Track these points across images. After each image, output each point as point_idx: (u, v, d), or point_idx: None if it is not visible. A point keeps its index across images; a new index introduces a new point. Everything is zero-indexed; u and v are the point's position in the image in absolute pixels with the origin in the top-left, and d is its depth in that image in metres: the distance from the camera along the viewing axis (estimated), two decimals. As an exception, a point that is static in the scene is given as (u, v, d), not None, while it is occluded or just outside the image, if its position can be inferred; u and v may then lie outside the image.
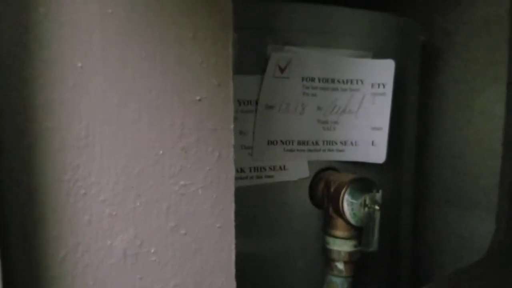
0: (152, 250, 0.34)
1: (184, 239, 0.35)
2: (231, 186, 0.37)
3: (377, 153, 0.61)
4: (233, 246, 0.38)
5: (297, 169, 0.60)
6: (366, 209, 0.54)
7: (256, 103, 0.56)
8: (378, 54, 0.62)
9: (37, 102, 0.28)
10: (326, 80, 0.59)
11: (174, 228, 0.35)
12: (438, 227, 0.85)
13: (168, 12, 0.32)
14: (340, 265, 0.57)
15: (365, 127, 0.61)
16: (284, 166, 0.59)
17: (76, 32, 0.29)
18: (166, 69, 0.33)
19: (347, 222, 0.56)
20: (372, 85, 0.60)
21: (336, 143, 0.61)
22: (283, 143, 0.58)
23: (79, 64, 0.29)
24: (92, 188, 0.31)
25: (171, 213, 0.34)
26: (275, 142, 0.58)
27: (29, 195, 0.28)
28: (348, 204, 0.55)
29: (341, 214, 0.56)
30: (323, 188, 0.58)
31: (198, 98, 0.35)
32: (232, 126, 0.37)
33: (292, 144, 0.59)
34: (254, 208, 0.57)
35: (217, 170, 0.36)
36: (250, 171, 0.57)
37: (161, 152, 0.33)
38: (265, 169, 0.58)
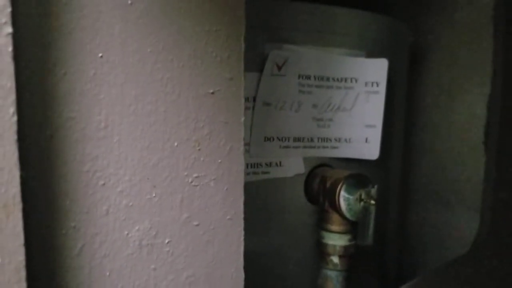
0: (166, 241, 0.34)
1: (196, 230, 0.36)
2: (241, 179, 0.38)
3: (371, 150, 0.63)
4: (242, 238, 0.39)
5: (292, 166, 0.60)
6: (362, 203, 0.56)
7: (254, 100, 0.57)
8: (371, 53, 0.63)
9: (58, 92, 0.28)
10: (322, 78, 0.60)
11: (187, 220, 0.35)
12: (422, 223, 0.87)
13: (185, 5, 0.33)
14: (335, 259, 0.58)
15: (359, 124, 0.62)
16: (280, 163, 0.60)
17: (97, 22, 0.29)
18: (182, 62, 0.33)
19: (342, 216, 0.57)
20: (366, 84, 0.62)
21: (330, 140, 0.62)
22: (279, 139, 0.59)
23: (100, 55, 0.29)
24: (111, 179, 0.31)
25: (184, 204, 0.35)
26: (271, 139, 0.59)
27: (50, 186, 0.28)
28: (344, 199, 0.56)
29: (337, 209, 0.57)
30: (318, 184, 0.59)
31: (211, 91, 0.35)
32: (242, 119, 0.37)
33: (288, 141, 0.60)
34: (250, 204, 0.58)
35: (229, 163, 0.37)
36: (247, 167, 0.58)
37: (176, 144, 0.34)
38: (261, 166, 0.59)
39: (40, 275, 0.28)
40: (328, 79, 0.61)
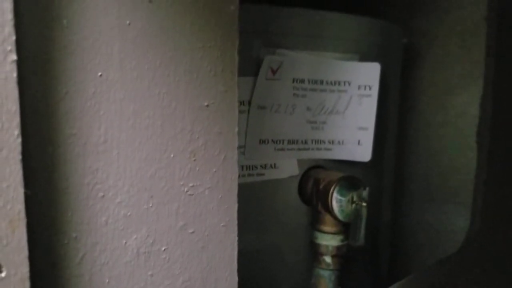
0: (163, 248, 0.36)
1: (192, 237, 0.37)
2: (235, 186, 0.39)
3: (363, 152, 0.64)
4: (236, 244, 0.40)
5: (287, 167, 0.62)
6: (354, 205, 0.57)
7: (249, 104, 0.58)
8: (364, 57, 0.64)
9: (60, 111, 0.30)
10: (315, 82, 0.62)
11: (183, 227, 0.37)
12: (416, 222, 0.89)
13: (181, 23, 0.34)
14: (328, 259, 0.60)
15: (352, 127, 0.64)
16: (275, 165, 0.61)
17: (96, 43, 0.30)
18: (178, 77, 0.34)
19: (335, 218, 0.59)
20: (359, 87, 0.63)
21: (324, 142, 0.64)
22: (274, 142, 0.61)
23: (99, 73, 0.31)
24: (110, 190, 0.32)
25: (180, 213, 0.36)
26: (266, 141, 0.60)
27: (53, 198, 0.30)
28: (337, 201, 0.58)
29: (329, 210, 0.58)
30: (312, 185, 0.61)
31: (206, 104, 0.37)
32: (236, 129, 0.39)
33: (283, 143, 0.61)
34: (246, 205, 0.59)
35: (223, 172, 0.38)
36: (242, 169, 0.59)
37: (172, 155, 0.35)
38: (256, 168, 0.60)
39: (44, 285, 0.30)
40: (321, 82, 0.62)
